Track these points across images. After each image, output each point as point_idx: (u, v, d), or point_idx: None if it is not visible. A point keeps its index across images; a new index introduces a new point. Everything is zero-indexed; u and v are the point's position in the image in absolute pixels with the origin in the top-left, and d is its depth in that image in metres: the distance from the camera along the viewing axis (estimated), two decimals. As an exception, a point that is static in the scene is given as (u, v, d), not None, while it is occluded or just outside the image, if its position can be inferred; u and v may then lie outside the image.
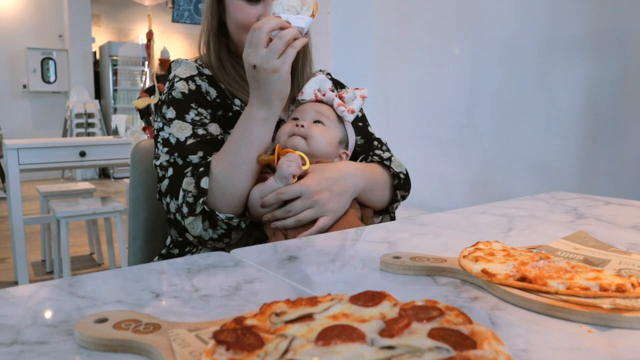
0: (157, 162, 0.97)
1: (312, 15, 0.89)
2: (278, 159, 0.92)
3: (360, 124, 1.17)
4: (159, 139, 0.98)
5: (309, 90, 1.04)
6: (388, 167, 1.05)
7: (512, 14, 2.41)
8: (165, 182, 0.94)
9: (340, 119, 1.04)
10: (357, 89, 1.05)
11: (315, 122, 1.00)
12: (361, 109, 1.20)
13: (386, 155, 1.08)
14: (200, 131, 0.97)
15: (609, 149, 2.08)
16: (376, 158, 1.07)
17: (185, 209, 0.90)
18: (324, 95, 1.04)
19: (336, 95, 1.04)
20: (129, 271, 0.63)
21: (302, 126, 0.97)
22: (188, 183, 0.91)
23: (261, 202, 0.90)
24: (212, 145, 0.96)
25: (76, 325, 0.44)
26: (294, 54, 0.85)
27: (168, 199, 0.93)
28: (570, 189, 1.29)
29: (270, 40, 0.85)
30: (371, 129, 1.19)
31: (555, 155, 2.27)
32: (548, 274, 0.53)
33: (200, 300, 0.53)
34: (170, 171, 0.94)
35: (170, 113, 0.99)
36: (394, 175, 1.05)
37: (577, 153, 2.19)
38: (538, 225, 0.87)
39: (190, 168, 0.92)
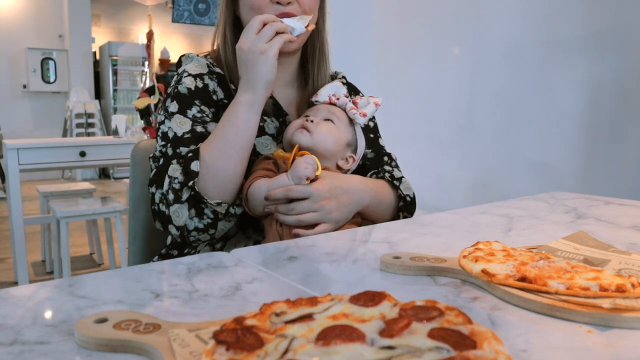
0: (151, 154, 0.98)
1: (307, 27, 0.95)
2: (294, 158, 0.92)
3: (372, 135, 1.16)
4: (159, 132, 0.99)
5: (323, 94, 1.05)
6: (397, 188, 1.05)
7: (513, 14, 2.41)
8: (153, 172, 0.95)
9: (352, 123, 1.04)
10: (371, 96, 1.07)
11: (326, 120, 1.00)
12: (374, 118, 1.20)
13: (397, 174, 1.08)
14: (199, 128, 0.97)
15: (609, 149, 2.08)
16: (387, 176, 1.06)
17: (170, 196, 0.89)
18: (337, 99, 1.05)
19: (350, 100, 1.05)
20: (129, 271, 0.63)
21: (312, 121, 0.98)
22: (174, 170, 0.90)
23: (267, 194, 0.90)
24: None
25: (76, 325, 0.44)
26: (282, 42, 0.90)
27: (153, 189, 0.93)
28: (570, 189, 1.29)
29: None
30: (382, 142, 1.18)
31: (555, 155, 2.27)
32: (548, 274, 0.53)
33: (200, 300, 0.53)
34: (160, 161, 0.95)
35: (173, 107, 0.99)
36: (400, 197, 1.05)
37: (577, 153, 2.19)
38: (538, 225, 0.87)
39: (177, 158, 0.93)
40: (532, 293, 0.51)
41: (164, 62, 8.23)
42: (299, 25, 0.94)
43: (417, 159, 2.86)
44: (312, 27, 0.98)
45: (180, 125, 0.96)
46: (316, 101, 1.05)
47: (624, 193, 1.81)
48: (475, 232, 0.82)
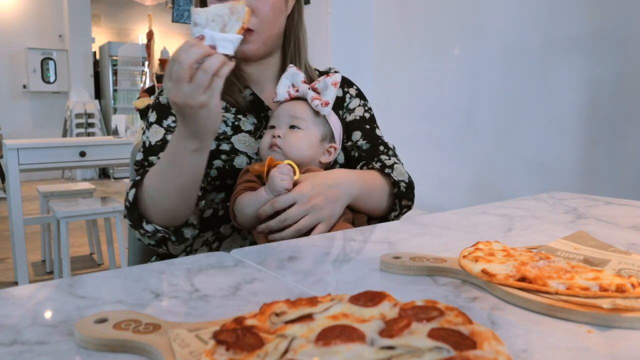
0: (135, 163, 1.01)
1: (243, 27, 0.77)
2: (268, 170, 0.89)
3: (367, 126, 1.13)
4: (142, 141, 1.02)
5: (281, 91, 1.00)
6: (388, 175, 1.02)
7: (512, 14, 2.42)
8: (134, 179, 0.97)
9: (318, 114, 0.99)
10: (328, 75, 1.01)
11: (292, 127, 0.97)
12: (370, 109, 1.18)
13: (390, 162, 1.05)
14: (169, 137, 0.96)
15: (609, 149, 2.08)
16: (377, 165, 1.04)
17: (125, 212, 0.92)
18: (297, 91, 1.00)
19: (309, 88, 1.00)
20: (129, 271, 0.63)
21: (279, 136, 0.95)
22: (128, 190, 0.92)
23: (257, 214, 0.88)
24: None
25: (76, 325, 0.44)
26: (222, 84, 0.76)
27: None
28: (570, 189, 1.29)
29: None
30: (379, 132, 1.14)
31: (555, 156, 2.27)
32: (548, 274, 0.53)
33: (200, 300, 0.53)
34: (138, 169, 0.98)
35: (152, 117, 1.03)
36: (394, 184, 1.02)
37: (577, 153, 2.19)
38: (538, 225, 0.87)
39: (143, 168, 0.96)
40: (532, 293, 0.51)
41: (164, 62, 8.21)
42: (234, 38, 0.75)
43: (417, 159, 2.86)
44: (247, 20, 0.77)
45: (155, 134, 1.00)
46: (277, 101, 1.01)
47: (624, 193, 1.81)
48: (475, 232, 0.82)
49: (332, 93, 0.99)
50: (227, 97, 1.05)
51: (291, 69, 1.02)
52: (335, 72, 1.20)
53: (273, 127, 0.99)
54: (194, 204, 0.92)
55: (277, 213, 0.87)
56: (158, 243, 0.93)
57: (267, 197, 0.88)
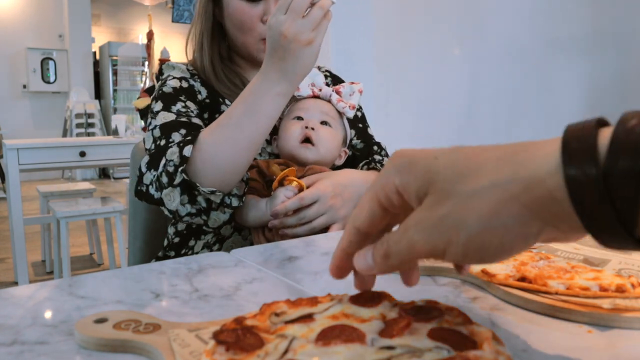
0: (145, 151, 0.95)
1: None
2: (280, 181, 0.89)
3: (360, 125, 1.15)
4: (151, 135, 0.95)
5: (304, 85, 1.01)
6: None
7: (513, 14, 2.42)
8: (145, 158, 0.89)
9: (340, 115, 1.02)
10: (352, 83, 1.04)
11: (322, 122, 0.98)
12: (360, 108, 1.19)
13: None
14: (183, 119, 0.94)
15: (609, 149, 2.09)
16: (379, 166, 1.05)
17: (164, 179, 0.83)
18: (320, 90, 1.02)
19: (333, 91, 1.02)
20: (129, 271, 0.63)
21: (313, 128, 0.95)
22: (172, 153, 0.83)
23: (278, 210, 0.85)
24: (196, 128, 0.91)
25: (76, 325, 0.44)
26: (327, 27, 0.79)
27: (145, 168, 0.87)
28: (570, 189, 1.29)
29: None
30: (370, 131, 1.17)
31: (555, 155, 2.27)
32: (548, 274, 0.53)
33: (200, 300, 0.53)
34: (155, 149, 0.90)
35: (158, 106, 0.96)
36: None
37: (577, 153, 2.19)
38: (538, 225, 0.86)
39: (176, 141, 0.87)
40: (532, 293, 0.51)
41: (164, 62, 8.22)
42: None
43: (417, 159, 2.86)
44: None
45: (164, 119, 0.93)
46: (298, 95, 1.01)
47: (624, 193, 1.80)
48: (475, 232, 0.81)
49: (357, 98, 1.02)
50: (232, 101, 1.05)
51: (313, 70, 1.02)
52: (327, 70, 1.21)
53: (300, 118, 0.98)
54: (251, 160, 0.86)
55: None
56: (200, 212, 0.84)
57: (265, 210, 0.88)
